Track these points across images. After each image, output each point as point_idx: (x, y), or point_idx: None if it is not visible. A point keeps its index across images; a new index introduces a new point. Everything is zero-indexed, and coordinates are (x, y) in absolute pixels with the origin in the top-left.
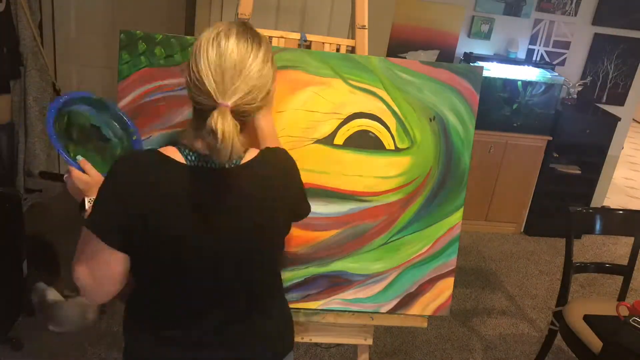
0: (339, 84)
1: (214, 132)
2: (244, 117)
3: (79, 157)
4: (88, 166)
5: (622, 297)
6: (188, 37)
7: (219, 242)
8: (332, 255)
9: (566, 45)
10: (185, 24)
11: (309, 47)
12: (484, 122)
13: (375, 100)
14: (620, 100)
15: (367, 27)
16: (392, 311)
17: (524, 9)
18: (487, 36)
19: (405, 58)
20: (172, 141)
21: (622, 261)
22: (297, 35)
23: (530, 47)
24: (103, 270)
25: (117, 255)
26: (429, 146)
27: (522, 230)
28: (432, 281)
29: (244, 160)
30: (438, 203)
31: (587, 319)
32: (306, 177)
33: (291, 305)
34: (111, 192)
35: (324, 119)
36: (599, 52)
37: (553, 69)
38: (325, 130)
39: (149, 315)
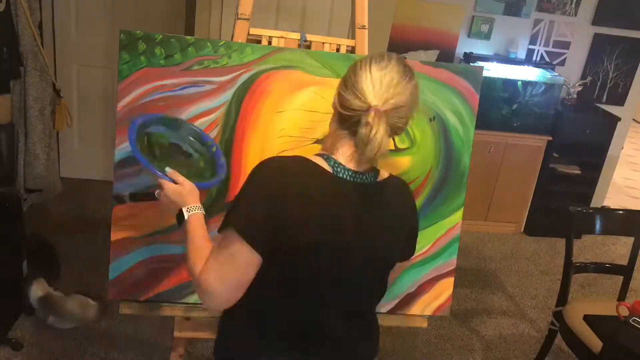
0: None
1: (367, 125)
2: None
3: (168, 169)
4: (179, 176)
5: (622, 297)
6: (188, 37)
7: (350, 256)
8: None
9: (566, 45)
10: (185, 24)
11: (309, 47)
12: (484, 122)
13: None
14: (620, 100)
15: (367, 27)
16: (392, 311)
17: (524, 9)
18: (487, 36)
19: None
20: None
21: (622, 261)
22: (297, 35)
23: (530, 47)
24: (237, 274)
25: (256, 258)
26: (429, 146)
27: (522, 230)
28: (432, 281)
29: (380, 178)
30: (438, 203)
31: (587, 319)
32: None
33: None
34: (257, 194)
35: (324, 119)
36: (599, 52)
37: (553, 69)
38: (325, 130)
39: (258, 320)
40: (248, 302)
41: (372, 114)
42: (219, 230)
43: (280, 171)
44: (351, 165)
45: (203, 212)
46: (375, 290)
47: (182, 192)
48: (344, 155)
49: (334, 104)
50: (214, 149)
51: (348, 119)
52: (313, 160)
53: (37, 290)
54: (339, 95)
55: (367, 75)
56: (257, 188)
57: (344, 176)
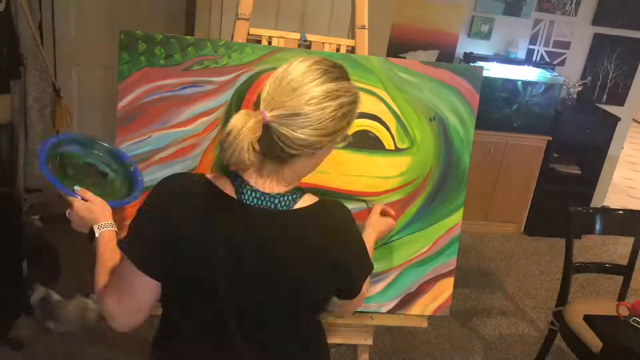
0: None
1: (227, 129)
2: (283, 144)
3: (77, 187)
4: (88, 194)
5: (622, 297)
6: (188, 37)
7: (252, 291)
8: None
9: (566, 45)
10: (185, 24)
11: (309, 47)
12: (484, 122)
13: (375, 101)
14: (620, 100)
15: (367, 27)
16: (392, 311)
17: (524, 9)
18: (487, 36)
19: (405, 58)
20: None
21: (622, 261)
22: (297, 35)
23: (530, 47)
24: (132, 298)
25: (149, 282)
26: (429, 146)
27: (522, 230)
28: (432, 281)
29: (297, 206)
30: (438, 203)
31: (587, 319)
32: (306, 177)
33: None
34: (149, 216)
35: None
36: (599, 52)
37: (553, 69)
38: None
39: (169, 341)
40: (160, 324)
41: (242, 112)
42: (119, 247)
43: (174, 194)
44: (264, 187)
45: (115, 228)
46: (292, 328)
47: (93, 209)
48: (262, 175)
49: None
50: (132, 168)
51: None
52: (214, 182)
53: (37, 296)
54: None
55: (274, 74)
56: (150, 209)
57: (249, 201)
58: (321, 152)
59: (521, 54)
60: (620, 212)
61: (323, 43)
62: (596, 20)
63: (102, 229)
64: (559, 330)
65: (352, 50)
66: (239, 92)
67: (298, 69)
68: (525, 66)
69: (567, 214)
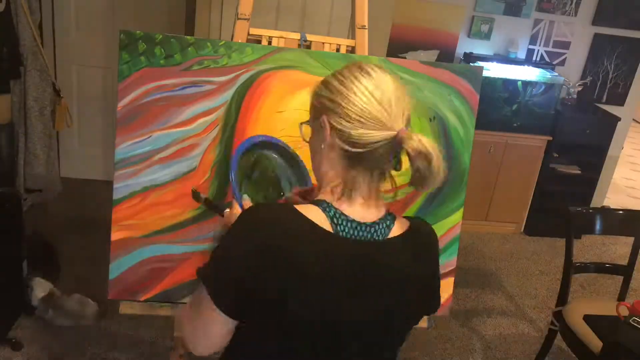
0: None
1: (420, 155)
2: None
3: (246, 196)
4: (245, 202)
5: (622, 297)
6: (188, 37)
7: (346, 329)
8: None
9: (566, 45)
10: (185, 24)
11: (309, 47)
12: (484, 122)
13: None
14: (620, 100)
15: (367, 27)
16: None
17: (524, 9)
18: (487, 36)
19: (405, 58)
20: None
21: (622, 261)
22: (297, 35)
23: (530, 47)
24: (205, 328)
25: (226, 320)
26: None
27: (522, 230)
28: None
29: (393, 234)
30: (438, 203)
31: (587, 319)
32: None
33: None
34: (235, 252)
35: None
36: (599, 52)
37: (553, 69)
38: None
39: None
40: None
41: (411, 136)
42: (197, 272)
43: (266, 226)
44: (359, 215)
45: None
46: (385, 355)
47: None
48: (356, 201)
49: (326, 141)
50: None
51: (366, 156)
52: (305, 215)
53: (39, 288)
54: (339, 131)
55: (367, 97)
56: (236, 243)
57: (346, 234)
58: None
59: (521, 54)
60: (620, 212)
61: (323, 43)
62: (596, 20)
63: None
64: (559, 330)
65: (352, 50)
66: (239, 92)
67: (386, 79)
68: (525, 66)
69: (567, 214)
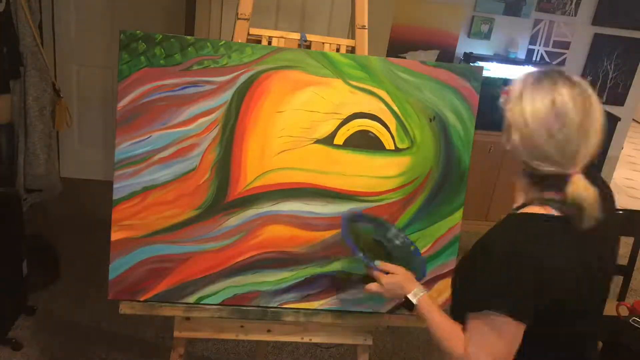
0: (339, 84)
1: (578, 204)
2: None
3: (377, 262)
4: (389, 266)
5: (622, 297)
6: (188, 37)
7: (597, 295)
8: (332, 255)
9: (566, 45)
10: (185, 24)
11: (309, 47)
12: (484, 122)
13: (375, 100)
14: (620, 100)
15: (367, 27)
16: (392, 311)
17: (524, 9)
18: (487, 36)
19: (405, 58)
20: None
21: (622, 261)
22: (297, 35)
23: (530, 47)
24: (509, 349)
25: (523, 328)
26: (429, 146)
27: None
28: (432, 281)
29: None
30: (438, 203)
31: None
32: (306, 177)
33: (291, 306)
34: (516, 267)
35: (324, 119)
36: (599, 52)
37: None
38: (325, 130)
39: None
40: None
41: (575, 183)
42: (471, 310)
43: (537, 243)
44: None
45: (426, 291)
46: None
47: (400, 281)
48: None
49: (522, 156)
50: (412, 248)
51: (541, 180)
52: (545, 214)
53: None
54: (524, 162)
55: (572, 121)
56: (508, 258)
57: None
58: None
59: (521, 54)
60: (620, 212)
61: (323, 43)
62: (596, 20)
63: (418, 296)
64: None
65: (352, 50)
66: (239, 92)
67: (595, 106)
68: (525, 66)
69: None
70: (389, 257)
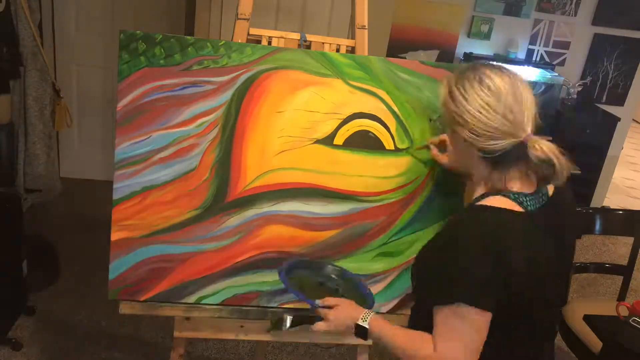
0: (339, 84)
1: (544, 160)
2: None
3: (318, 301)
4: (330, 300)
5: (622, 297)
6: (188, 37)
7: (550, 287)
8: (332, 255)
9: (566, 45)
10: (185, 24)
11: (309, 47)
12: None
13: (375, 101)
14: (620, 100)
15: (367, 27)
16: (392, 311)
17: (524, 9)
18: (487, 36)
19: (405, 58)
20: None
21: (622, 261)
22: (297, 35)
23: (530, 47)
24: (480, 338)
25: (489, 317)
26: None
27: None
28: None
29: (550, 189)
30: (438, 203)
31: (587, 319)
32: (306, 177)
33: (291, 306)
34: (475, 255)
35: (324, 119)
36: (599, 52)
37: (553, 69)
38: (325, 130)
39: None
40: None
41: (535, 147)
42: (437, 304)
43: (493, 225)
44: (528, 189)
45: (373, 312)
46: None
47: (344, 311)
48: (516, 183)
49: (462, 148)
50: (356, 280)
51: (501, 158)
52: (502, 207)
53: None
54: (471, 144)
55: (487, 110)
56: (473, 249)
57: (532, 207)
58: None
59: (521, 54)
60: (620, 212)
61: (323, 43)
62: (596, 20)
63: (366, 319)
64: (558, 330)
65: (352, 50)
66: (239, 92)
67: (502, 85)
68: (525, 66)
69: None
70: (337, 294)
